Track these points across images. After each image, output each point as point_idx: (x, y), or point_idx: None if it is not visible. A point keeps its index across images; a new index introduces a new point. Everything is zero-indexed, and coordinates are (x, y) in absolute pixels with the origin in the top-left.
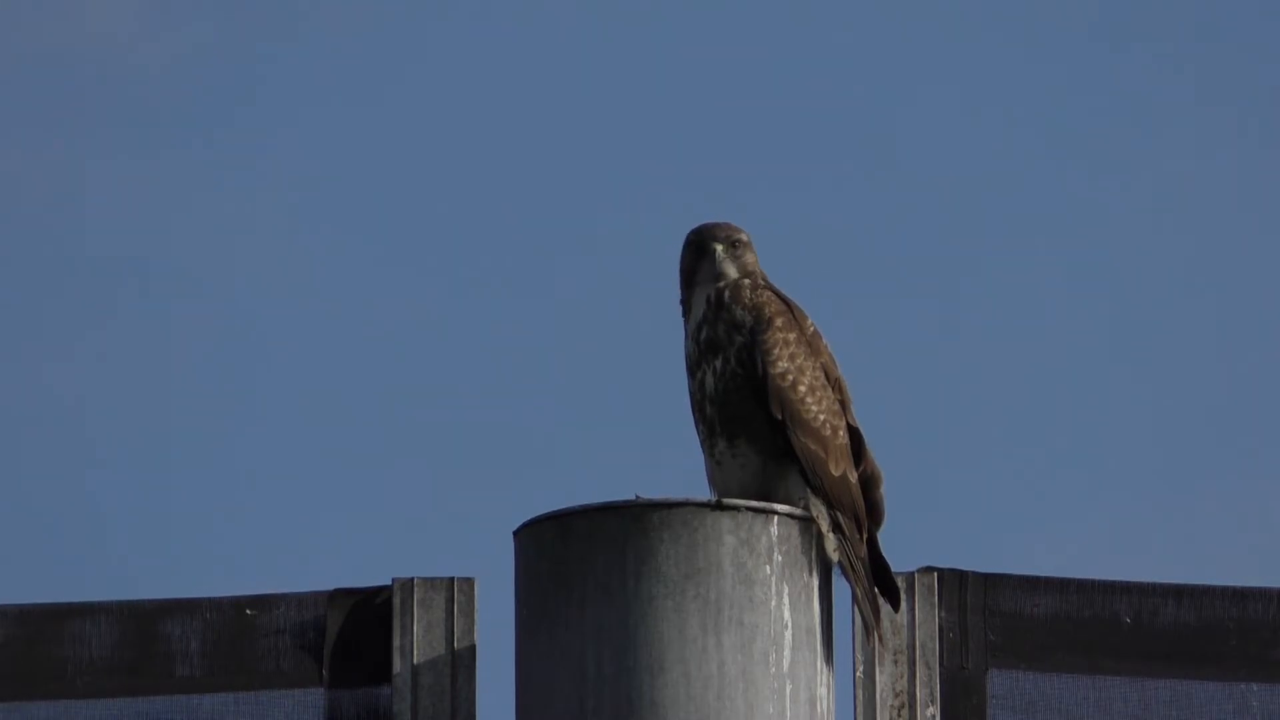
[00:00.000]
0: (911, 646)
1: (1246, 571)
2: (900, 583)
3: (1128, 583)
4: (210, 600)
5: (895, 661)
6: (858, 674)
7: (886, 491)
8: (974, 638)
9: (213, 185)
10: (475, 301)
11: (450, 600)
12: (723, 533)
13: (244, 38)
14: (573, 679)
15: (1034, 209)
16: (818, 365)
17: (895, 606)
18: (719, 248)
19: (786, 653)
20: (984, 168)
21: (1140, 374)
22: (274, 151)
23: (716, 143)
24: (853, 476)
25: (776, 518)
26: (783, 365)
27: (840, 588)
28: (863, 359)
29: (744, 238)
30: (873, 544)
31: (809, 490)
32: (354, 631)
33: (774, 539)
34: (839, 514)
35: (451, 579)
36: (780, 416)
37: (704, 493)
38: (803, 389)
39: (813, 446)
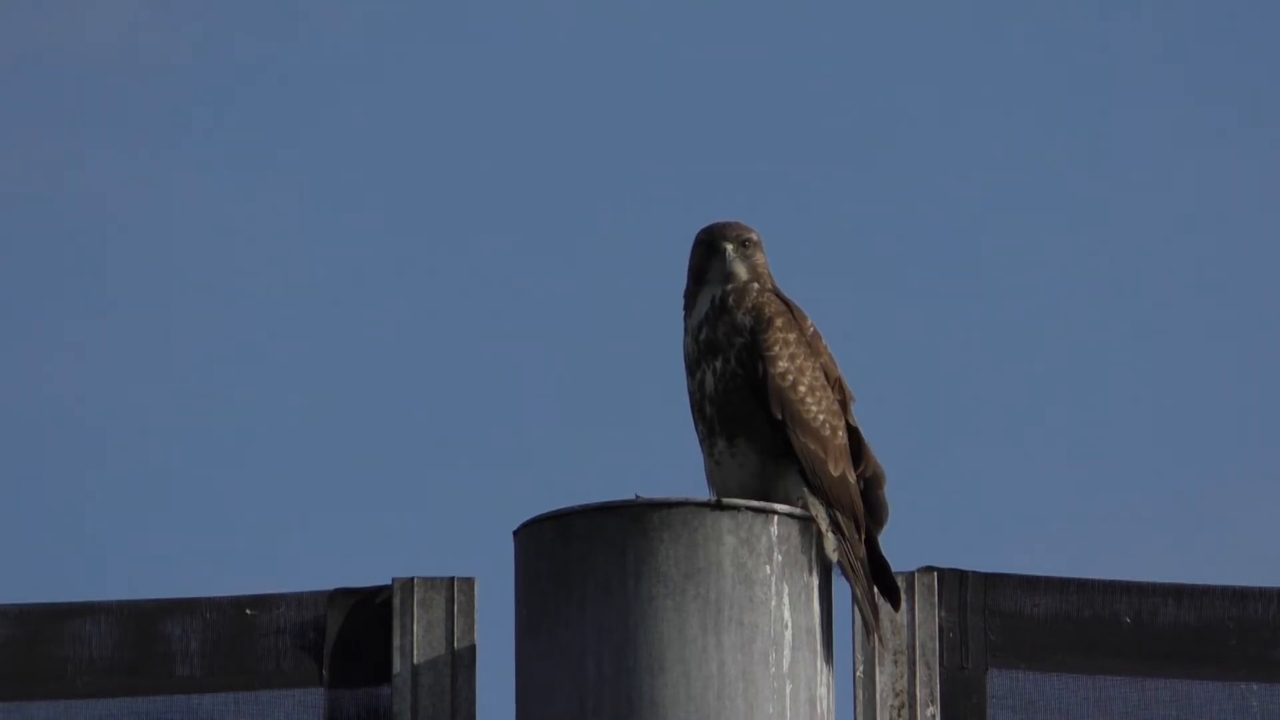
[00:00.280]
0: (911, 646)
1: (1246, 571)
2: (900, 582)
3: (1128, 583)
4: (210, 600)
5: (895, 661)
6: (858, 674)
7: (887, 491)
8: (974, 638)
9: (212, 185)
10: (475, 301)
11: (450, 600)
12: (723, 533)
13: (244, 38)
14: (573, 679)
15: (1034, 208)
16: (817, 365)
17: (895, 606)
18: (730, 247)
19: (786, 653)
20: (984, 167)
21: (1140, 374)
22: (274, 151)
23: (716, 142)
24: (852, 476)
25: (776, 517)
26: (783, 365)
27: (840, 588)
28: (863, 359)
29: (754, 237)
30: (872, 544)
31: (808, 490)
32: (354, 631)
33: (774, 539)
34: (838, 514)
35: (451, 579)
36: (780, 416)
37: (704, 493)
38: (802, 389)
39: (812, 446)
